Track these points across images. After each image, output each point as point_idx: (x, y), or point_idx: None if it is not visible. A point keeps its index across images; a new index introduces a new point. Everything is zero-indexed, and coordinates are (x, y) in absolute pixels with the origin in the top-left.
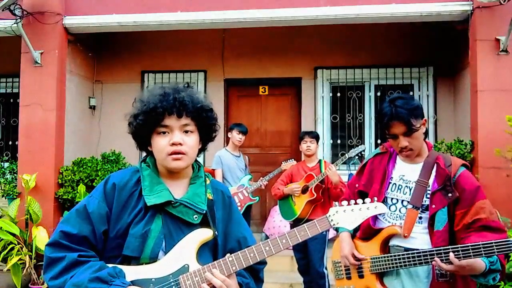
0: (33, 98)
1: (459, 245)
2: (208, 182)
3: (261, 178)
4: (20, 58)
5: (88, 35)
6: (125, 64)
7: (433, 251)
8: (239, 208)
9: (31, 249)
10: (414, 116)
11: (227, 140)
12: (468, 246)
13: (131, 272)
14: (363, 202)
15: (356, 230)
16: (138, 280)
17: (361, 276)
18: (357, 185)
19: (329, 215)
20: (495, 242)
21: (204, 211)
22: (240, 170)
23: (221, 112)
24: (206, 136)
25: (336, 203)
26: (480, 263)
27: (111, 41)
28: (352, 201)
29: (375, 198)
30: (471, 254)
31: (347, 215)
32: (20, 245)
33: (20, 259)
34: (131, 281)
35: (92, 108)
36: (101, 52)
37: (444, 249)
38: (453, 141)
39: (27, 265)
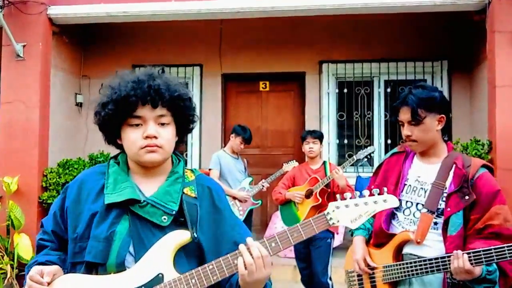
0: (15, 95)
1: (470, 251)
2: (192, 178)
3: (262, 180)
4: (1, 51)
5: (74, 27)
6: (115, 57)
7: (444, 257)
8: (242, 213)
9: (13, 258)
10: (424, 106)
11: (224, 141)
12: (479, 251)
13: (94, 284)
14: (370, 194)
15: (369, 236)
16: None
17: (373, 287)
18: (372, 186)
19: (328, 212)
20: (507, 246)
21: (174, 212)
22: (239, 172)
23: (218, 109)
24: (183, 128)
25: (338, 196)
26: (479, 268)
27: (100, 33)
28: (357, 193)
29: (385, 189)
30: (483, 259)
31: (349, 211)
32: (1, 254)
33: (0, 269)
34: None
35: (79, 105)
36: (89, 45)
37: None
38: (469, 141)
39: (8, 275)
